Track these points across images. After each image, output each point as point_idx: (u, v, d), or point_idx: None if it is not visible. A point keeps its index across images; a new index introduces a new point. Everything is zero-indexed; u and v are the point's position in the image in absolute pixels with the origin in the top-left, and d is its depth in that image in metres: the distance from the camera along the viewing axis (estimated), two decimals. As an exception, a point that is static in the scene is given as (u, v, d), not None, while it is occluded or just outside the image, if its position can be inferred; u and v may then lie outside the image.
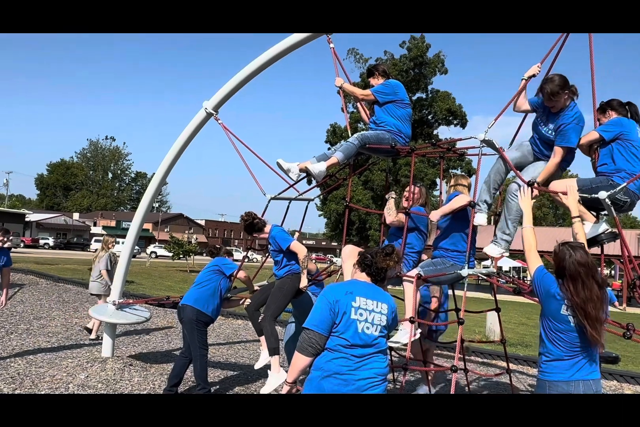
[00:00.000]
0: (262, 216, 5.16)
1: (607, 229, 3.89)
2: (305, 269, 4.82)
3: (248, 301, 5.36)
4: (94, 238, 48.66)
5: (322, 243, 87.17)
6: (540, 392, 2.83)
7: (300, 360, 2.71)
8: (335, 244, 48.76)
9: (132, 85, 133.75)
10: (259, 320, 4.94)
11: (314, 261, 5.91)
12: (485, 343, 8.94)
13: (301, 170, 4.70)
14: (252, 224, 4.97)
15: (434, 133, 40.54)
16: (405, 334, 4.21)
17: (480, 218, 4.08)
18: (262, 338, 4.97)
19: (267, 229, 5.02)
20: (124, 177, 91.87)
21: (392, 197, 4.57)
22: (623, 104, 3.99)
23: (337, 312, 2.69)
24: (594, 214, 4.00)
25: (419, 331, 4.41)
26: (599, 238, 3.86)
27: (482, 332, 11.21)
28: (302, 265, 4.78)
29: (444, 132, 44.64)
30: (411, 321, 4.13)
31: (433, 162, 34.37)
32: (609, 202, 3.62)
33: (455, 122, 40.03)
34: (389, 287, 4.92)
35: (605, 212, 3.89)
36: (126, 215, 69.40)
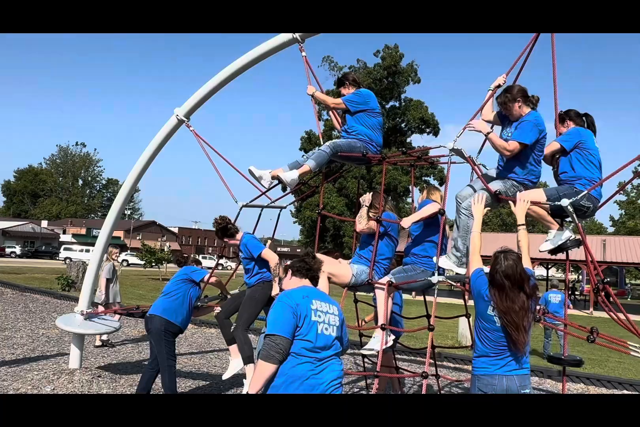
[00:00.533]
0: (234, 223, 5.13)
1: (571, 236, 4.01)
2: (277, 277, 4.80)
3: (218, 309, 5.31)
4: (63, 246, 47.50)
5: (297, 250, 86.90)
6: (472, 386, 3.09)
7: (266, 369, 2.64)
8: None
9: (105, 90, 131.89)
10: (232, 329, 4.90)
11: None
12: (457, 349, 9.04)
13: (273, 177, 4.70)
14: (225, 229, 4.94)
15: (407, 141, 41.05)
16: (378, 342, 4.23)
17: (441, 261, 4.18)
18: (232, 347, 4.93)
19: (239, 236, 4.99)
20: (95, 184, 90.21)
21: (365, 206, 4.59)
22: (580, 115, 4.18)
23: (299, 315, 2.72)
24: (559, 221, 4.12)
25: (392, 337, 4.44)
26: (563, 245, 4.00)
27: (455, 337, 11.34)
28: (274, 273, 4.77)
29: (417, 140, 45.30)
30: (382, 328, 4.16)
31: (406, 169, 34.77)
32: (572, 209, 3.74)
33: (427, 130, 40.64)
34: (363, 294, 4.96)
35: (570, 219, 4.01)
36: (97, 222, 67.91)
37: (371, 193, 4.61)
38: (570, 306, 9.37)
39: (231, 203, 5.50)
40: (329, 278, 4.29)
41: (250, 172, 4.75)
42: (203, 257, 50.32)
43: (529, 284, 3.00)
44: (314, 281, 3.06)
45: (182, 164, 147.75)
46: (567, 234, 4.01)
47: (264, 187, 4.87)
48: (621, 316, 3.98)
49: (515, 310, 2.90)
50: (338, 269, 4.40)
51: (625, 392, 7.36)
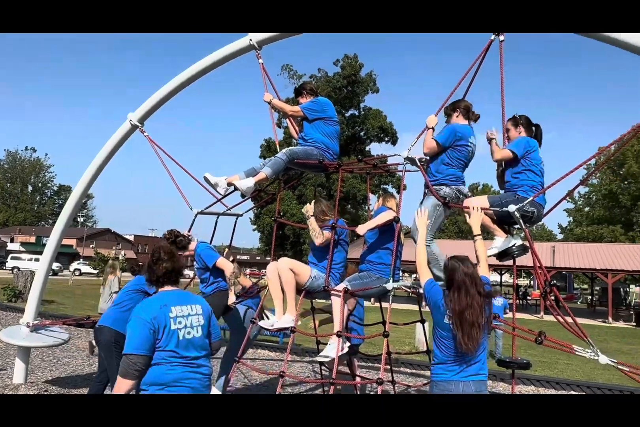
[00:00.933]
0: (189, 230, 5.04)
1: (517, 243, 4.16)
2: (233, 286, 4.74)
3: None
4: (11, 255, 45.35)
5: (257, 258, 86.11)
6: (430, 391, 3.18)
7: (125, 385, 2.71)
8: (270, 258, 48.29)
9: (56, 93, 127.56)
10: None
11: (248, 277, 5.81)
12: (414, 354, 9.16)
13: (229, 184, 4.66)
14: (174, 243, 4.82)
15: (366, 149, 41.58)
16: (333, 349, 4.23)
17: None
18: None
19: (192, 246, 4.89)
20: (46, 191, 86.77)
21: (309, 216, 4.53)
22: (531, 124, 4.36)
23: (157, 329, 2.75)
24: (506, 228, 4.27)
25: (347, 344, 4.44)
26: (509, 251, 4.14)
27: (412, 343, 11.50)
28: (229, 282, 4.70)
29: (376, 149, 46.06)
30: (338, 335, 4.16)
31: (365, 177, 35.19)
32: (518, 215, 3.89)
33: (386, 139, 41.30)
34: (322, 301, 4.95)
35: (517, 226, 4.16)
36: (47, 230, 65.15)
37: (312, 202, 4.59)
38: (508, 311, 9.81)
39: (189, 210, 5.40)
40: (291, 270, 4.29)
41: (206, 179, 4.69)
42: (160, 266, 49.02)
43: (483, 288, 3.12)
44: (174, 281, 3.02)
45: (139, 170, 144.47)
46: (513, 241, 4.16)
47: (220, 194, 4.82)
48: (569, 319, 4.13)
49: (473, 306, 2.98)
50: (300, 265, 4.40)
51: (573, 392, 7.64)
